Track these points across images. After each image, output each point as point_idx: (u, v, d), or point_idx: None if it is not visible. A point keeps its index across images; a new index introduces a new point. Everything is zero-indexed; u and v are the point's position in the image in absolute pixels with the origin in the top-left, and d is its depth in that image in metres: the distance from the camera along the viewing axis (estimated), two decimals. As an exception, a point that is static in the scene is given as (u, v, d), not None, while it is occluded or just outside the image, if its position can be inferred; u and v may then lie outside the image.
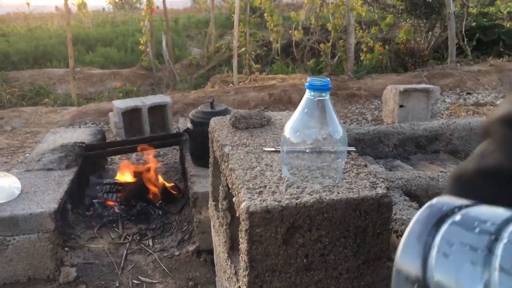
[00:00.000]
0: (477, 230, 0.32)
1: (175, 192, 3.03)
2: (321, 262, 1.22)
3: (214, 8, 9.89)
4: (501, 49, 7.65)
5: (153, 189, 2.95)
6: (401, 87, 4.55)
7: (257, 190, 1.26)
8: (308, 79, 0.93)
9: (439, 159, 3.31)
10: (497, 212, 0.33)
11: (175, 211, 2.86)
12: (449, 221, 0.34)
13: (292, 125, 1.00)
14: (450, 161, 3.31)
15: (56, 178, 2.61)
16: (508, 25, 8.27)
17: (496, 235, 0.31)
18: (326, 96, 0.89)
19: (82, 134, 3.41)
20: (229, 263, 1.58)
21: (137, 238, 2.59)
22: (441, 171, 2.82)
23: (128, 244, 2.53)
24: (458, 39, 7.04)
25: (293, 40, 7.67)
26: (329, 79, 0.94)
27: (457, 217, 0.34)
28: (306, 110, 0.93)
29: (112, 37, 11.50)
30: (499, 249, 0.31)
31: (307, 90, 0.87)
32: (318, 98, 0.84)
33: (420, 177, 2.42)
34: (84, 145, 3.02)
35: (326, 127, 1.02)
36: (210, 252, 2.26)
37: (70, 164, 2.80)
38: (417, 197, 2.27)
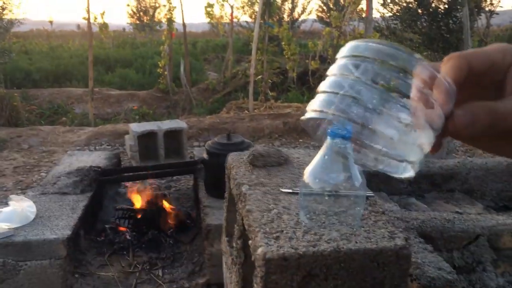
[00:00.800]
0: None
1: (187, 221, 3.02)
2: (337, 313, 1.20)
3: (232, 34, 10.05)
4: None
5: (166, 217, 2.95)
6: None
7: (274, 235, 1.25)
8: (329, 127, 0.93)
9: (454, 199, 3.27)
10: None
11: (186, 240, 2.85)
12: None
13: (311, 170, 0.99)
14: (465, 200, 3.26)
15: (71, 203, 2.63)
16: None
17: None
18: (348, 144, 0.89)
19: (97, 158, 3.45)
20: (240, 304, 1.56)
21: (147, 267, 2.57)
22: (456, 212, 2.78)
23: (138, 273, 2.51)
24: (475, 75, 6.99)
25: (309, 69, 7.73)
26: (351, 127, 0.93)
27: None
28: (326, 156, 0.92)
29: (132, 59, 11.72)
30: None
31: (328, 137, 0.87)
32: (339, 145, 0.84)
33: (435, 218, 2.38)
34: (99, 169, 3.04)
35: (345, 174, 1.02)
36: (221, 286, 2.23)
37: (85, 189, 2.82)
38: (432, 239, 2.23)
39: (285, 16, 15.28)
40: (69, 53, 12.40)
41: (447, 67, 0.41)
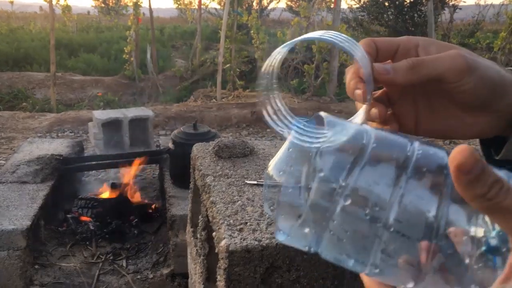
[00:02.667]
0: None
1: (152, 211, 3.00)
2: (298, 303, 1.22)
3: (200, 21, 9.91)
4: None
5: (130, 207, 2.91)
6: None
7: (238, 227, 1.26)
8: (294, 122, 0.94)
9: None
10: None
11: (151, 231, 2.82)
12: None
13: (276, 163, 0.99)
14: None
15: (31, 192, 2.55)
16: (487, 56, 8.53)
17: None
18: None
19: (59, 146, 3.35)
20: (204, 295, 1.56)
21: (111, 257, 2.54)
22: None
23: (101, 264, 2.47)
24: (438, 68, 7.18)
25: (278, 58, 7.71)
26: (314, 121, 0.94)
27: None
28: (290, 149, 0.93)
29: (96, 43, 11.38)
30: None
31: (293, 130, 0.87)
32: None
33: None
34: (61, 158, 2.96)
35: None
36: (185, 276, 2.23)
37: (46, 178, 2.74)
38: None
39: (254, 4, 15.20)
40: (30, 36, 11.90)
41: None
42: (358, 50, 0.43)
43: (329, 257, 0.37)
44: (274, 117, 0.42)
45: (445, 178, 0.34)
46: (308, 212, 0.36)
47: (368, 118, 0.47)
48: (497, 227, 0.32)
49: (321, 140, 0.37)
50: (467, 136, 0.50)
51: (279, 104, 0.42)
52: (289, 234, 0.38)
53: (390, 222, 0.34)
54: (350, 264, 0.36)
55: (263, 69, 0.44)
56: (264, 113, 0.42)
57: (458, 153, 0.31)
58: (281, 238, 0.38)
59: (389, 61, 0.48)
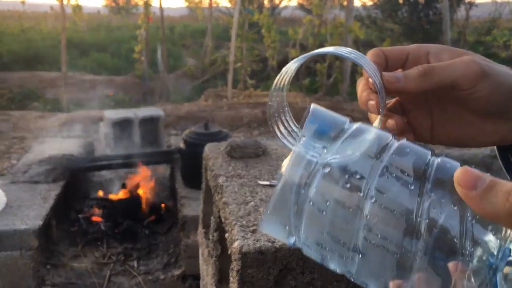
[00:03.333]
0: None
1: (163, 211, 2.98)
2: (313, 306, 1.19)
3: (211, 20, 9.91)
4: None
5: (141, 207, 2.90)
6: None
7: (251, 229, 1.23)
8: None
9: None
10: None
11: (162, 231, 2.81)
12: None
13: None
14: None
15: (42, 192, 2.55)
16: (503, 54, 8.39)
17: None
18: None
19: (71, 146, 3.35)
20: (216, 297, 1.54)
21: (122, 258, 2.53)
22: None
23: (112, 265, 2.47)
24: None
25: (289, 57, 7.70)
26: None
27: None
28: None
29: (107, 43, 11.44)
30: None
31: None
32: None
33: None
34: (72, 158, 2.96)
35: None
36: (196, 277, 2.21)
37: (57, 178, 2.74)
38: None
39: (266, 2, 15.15)
40: (41, 35, 12.01)
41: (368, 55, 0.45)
42: (367, 61, 0.43)
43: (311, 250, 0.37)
44: (285, 132, 0.41)
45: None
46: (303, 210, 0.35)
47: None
48: None
49: (323, 156, 0.36)
50: (487, 143, 0.48)
51: (288, 119, 0.42)
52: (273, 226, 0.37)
53: (422, 247, 0.32)
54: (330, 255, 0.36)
55: (274, 84, 0.43)
56: (276, 129, 0.42)
57: (459, 173, 0.30)
58: (264, 227, 0.37)
59: (400, 70, 0.46)
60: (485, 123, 0.46)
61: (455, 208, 0.32)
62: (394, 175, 0.34)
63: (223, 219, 1.40)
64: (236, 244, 1.16)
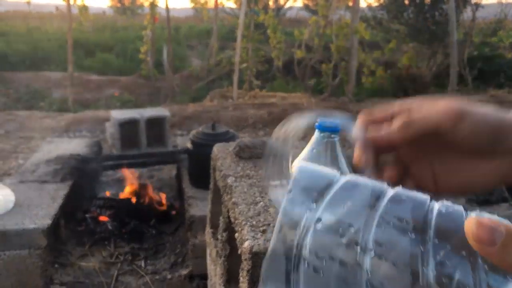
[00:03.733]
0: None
1: (171, 211, 2.99)
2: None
3: (216, 20, 9.92)
4: (502, 80, 7.66)
5: (148, 207, 2.90)
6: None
7: (261, 229, 1.23)
8: (318, 119, 0.91)
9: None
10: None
11: (169, 231, 2.82)
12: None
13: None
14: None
15: (51, 191, 2.56)
16: (510, 55, 8.34)
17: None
18: (336, 138, 0.87)
19: (78, 146, 3.37)
20: (225, 297, 1.54)
21: (129, 258, 2.54)
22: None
23: (119, 264, 2.47)
24: (459, 67, 7.07)
25: (295, 57, 7.70)
26: (339, 121, 0.92)
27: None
28: (314, 150, 0.91)
29: (112, 43, 11.48)
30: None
31: (317, 130, 0.85)
32: (327, 139, 0.82)
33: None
34: (80, 157, 2.97)
35: (333, 168, 1.00)
36: (203, 277, 2.21)
37: (65, 177, 2.75)
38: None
39: (271, 3, 15.16)
40: (47, 35, 12.07)
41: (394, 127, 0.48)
42: (352, 126, 0.46)
43: None
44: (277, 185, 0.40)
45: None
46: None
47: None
48: None
49: (313, 211, 0.34)
50: (490, 184, 0.49)
51: (285, 172, 0.41)
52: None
53: None
54: None
55: (276, 136, 0.43)
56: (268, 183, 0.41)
57: (473, 228, 0.29)
58: None
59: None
60: (482, 163, 0.47)
61: (464, 255, 0.30)
62: (391, 224, 0.32)
63: (232, 219, 1.40)
64: (246, 244, 1.16)
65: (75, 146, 3.36)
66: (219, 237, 1.68)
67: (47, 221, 2.20)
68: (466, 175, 0.48)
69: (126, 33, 13.19)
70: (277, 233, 0.34)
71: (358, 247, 0.32)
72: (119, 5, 20.11)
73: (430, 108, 0.47)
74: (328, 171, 0.37)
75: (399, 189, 0.35)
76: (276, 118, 5.74)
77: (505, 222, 0.29)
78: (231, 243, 1.58)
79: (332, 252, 0.32)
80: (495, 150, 0.47)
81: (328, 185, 0.35)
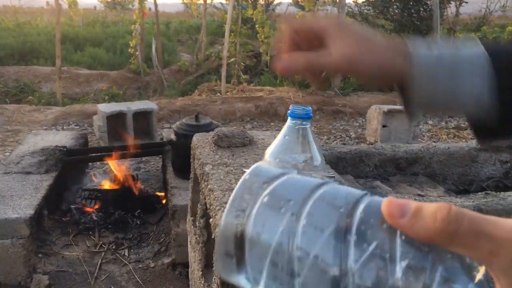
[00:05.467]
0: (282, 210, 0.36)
1: (155, 201, 3.02)
2: None
3: (206, 16, 9.92)
4: (486, 74, 7.73)
5: (133, 198, 2.93)
6: (386, 107, 4.63)
7: (235, 214, 1.27)
8: (290, 107, 0.95)
9: (417, 182, 3.36)
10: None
11: (153, 221, 2.85)
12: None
13: (273, 150, 1.01)
14: (428, 184, 3.36)
15: (35, 182, 2.58)
16: (493, 50, 8.41)
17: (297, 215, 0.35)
18: (307, 125, 0.91)
19: (64, 138, 3.38)
20: (202, 281, 1.58)
21: (113, 247, 2.57)
22: (418, 194, 2.87)
23: (103, 253, 2.51)
24: (443, 62, 7.12)
25: (283, 52, 7.71)
26: (310, 108, 0.97)
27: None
28: (287, 137, 0.95)
29: (102, 38, 11.42)
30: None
31: (289, 118, 0.89)
32: (299, 126, 0.86)
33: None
34: (65, 149, 2.99)
35: (305, 154, 1.04)
36: (186, 265, 2.25)
37: (50, 169, 2.77)
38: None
39: (260, -2, 15.14)
40: (37, 30, 11.98)
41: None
42: None
43: None
44: None
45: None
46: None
47: None
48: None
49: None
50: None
51: None
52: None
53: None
54: None
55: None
56: None
57: (385, 205, 0.32)
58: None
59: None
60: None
61: (384, 228, 0.32)
62: (325, 201, 0.35)
63: (208, 206, 1.44)
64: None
65: (61, 138, 3.38)
66: (197, 224, 1.72)
67: (29, 211, 2.23)
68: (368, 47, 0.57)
69: (116, 28, 13.13)
70: (227, 214, 0.38)
71: (294, 216, 0.35)
72: (109, 0, 19.97)
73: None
74: (280, 170, 0.40)
75: (339, 184, 0.38)
76: (263, 112, 5.79)
77: (415, 202, 0.31)
78: (209, 229, 1.62)
79: (272, 221, 0.35)
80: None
81: (279, 176, 0.38)
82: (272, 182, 0.38)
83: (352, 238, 0.33)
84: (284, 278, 0.35)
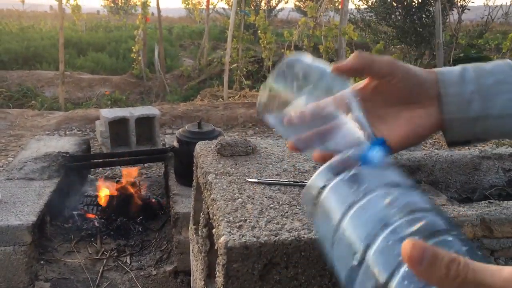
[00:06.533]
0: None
1: (157, 208, 3.02)
2: (296, 300, 1.23)
3: (208, 21, 9.94)
4: (487, 82, 7.72)
5: (135, 204, 2.93)
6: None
7: (237, 224, 1.27)
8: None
9: (420, 190, 3.36)
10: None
11: (155, 228, 2.85)
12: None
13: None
14: (431, 192, 3.35)
15: (37, 188, 2.58)
16: (495, 57, 8.45)
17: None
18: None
19: (66, 143, 3.39)
20: (205, 291, 1.58)
21: (115, 254, 2.57)
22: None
23: (105, 260, 2.50)
24: (445, 69, 7.12)
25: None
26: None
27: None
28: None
29: (105, 43, 11.46)
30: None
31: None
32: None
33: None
34: (67, 155, 3.00)
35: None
36: (188, 273, 2.25)
37: (52, 175, 2.78)
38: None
39: (263, 4, 15.19)
40: (40, 34, 12.03)
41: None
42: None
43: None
44: None
45: None
46: None
47: None
48: None
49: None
50: (426, 130, 0.58)
51: None
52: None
53: None
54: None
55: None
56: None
57: (406, 248, 0.34)
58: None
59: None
60: (414, 111, 0.58)
61: None
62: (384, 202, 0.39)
63: (211, 215, 1.44)
64: (222, 239, 1.20)
65: (63, 144, 3.38)
66: (199, 233, 1.72)
67: (32, 218, 2.23)
68: (404, 123, 0.58)
69: (119, 33, 13.17)
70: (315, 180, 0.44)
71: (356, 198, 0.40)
72: (112, 4, 20.06)
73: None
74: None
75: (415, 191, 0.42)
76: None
77: (432, 247, 0.34)
78: (211, 239, 1.62)
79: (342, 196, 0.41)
80: (420, 99, 0.57)
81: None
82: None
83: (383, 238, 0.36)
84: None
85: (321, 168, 0.44)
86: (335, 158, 0.45)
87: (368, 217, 0.38)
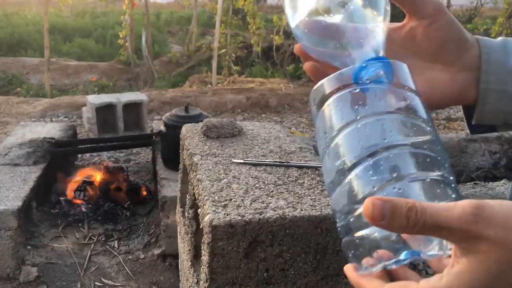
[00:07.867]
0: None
1: (145, 193, 3.01)
2: (281, 276, 1.23)
3: (196, 6, 9.83)
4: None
5: (122, 189, 2.92)
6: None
7: (222, 203, 1.27)
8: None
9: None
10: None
11: (143, 213, 2.84)
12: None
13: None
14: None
15: (23, 174, 2.56)
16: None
17: None
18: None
19: (52, 129, 3.35)
20: (192, 272, 1.58)
21: (103, 239, 2.56)
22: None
23: (92, 245, 2.50)
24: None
25: (274, 44, 7.71)
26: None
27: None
28: None
29: (91, 29, 11.30)
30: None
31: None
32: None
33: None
34: (53, 141, 2.96)
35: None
36: (176, 256, 2.25)
37: (38, 160, 2.75)
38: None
39: (252, -11, 15.02)
40: (25, 21, 11.81)
41: None
42: None
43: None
44: None
45: None
46: None
47: None
48: None
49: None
50: (447, 96, 0.53)
51: None
52: None
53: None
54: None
55: None
56: None
57: (366, 209, 0.35)
58: None
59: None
60: (442, 72, 0.53)
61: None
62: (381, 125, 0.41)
63: (196, 196, 1.43)
64: (207, 218, 1.20)
65: (49, 129, 3.34)
66: (186, 214, 1.72)
67: (17, 203, 2.21)
68: (427, 79, 0.53)
69: (105, 19, 12.98)
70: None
71: (355, 118, 0.43)
72: (99, -10, 19.72)
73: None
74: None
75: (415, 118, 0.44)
76: (254, 103, 5.77)
77: (390, 200, 0.36)
78: (197, 219, 1.62)
79: (343, 111, 0.43)
80: (455, 61, 0.52)
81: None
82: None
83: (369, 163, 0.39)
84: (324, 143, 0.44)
85: (333, 74, 0.45)
86: (347, 69, 0.44)
87: (359, 141, 0.40)
